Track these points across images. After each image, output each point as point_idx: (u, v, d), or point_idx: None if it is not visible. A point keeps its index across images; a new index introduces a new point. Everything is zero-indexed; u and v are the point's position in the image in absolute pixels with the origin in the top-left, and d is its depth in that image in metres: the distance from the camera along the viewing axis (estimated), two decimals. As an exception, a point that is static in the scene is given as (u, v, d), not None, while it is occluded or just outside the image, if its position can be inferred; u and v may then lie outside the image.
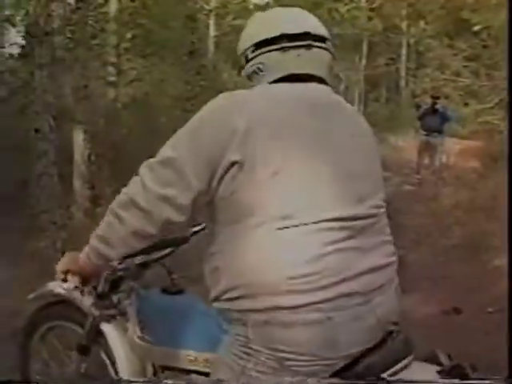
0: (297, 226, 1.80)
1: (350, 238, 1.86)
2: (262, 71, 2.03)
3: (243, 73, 2.09)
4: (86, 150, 8.33)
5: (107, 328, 2.46)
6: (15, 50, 11.54)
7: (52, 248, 6.58)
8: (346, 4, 24.06)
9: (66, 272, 2.16)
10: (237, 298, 1.84)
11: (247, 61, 2.06)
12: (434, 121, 12.62)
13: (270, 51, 2.01)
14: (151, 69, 10.87)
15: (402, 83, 25.13)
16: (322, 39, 2.06)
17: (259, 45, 2.03)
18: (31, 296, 2.73)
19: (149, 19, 11.85)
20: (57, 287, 2.59)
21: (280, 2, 27.69)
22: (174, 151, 1.83)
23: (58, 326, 2.75)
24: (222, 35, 17.76)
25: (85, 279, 2.17)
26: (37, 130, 6.69)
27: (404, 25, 24.17)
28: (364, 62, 25.19)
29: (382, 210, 2.02)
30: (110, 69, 9.77)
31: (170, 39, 12.19)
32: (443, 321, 4.00)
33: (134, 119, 10.19)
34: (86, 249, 2.03)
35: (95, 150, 8.55)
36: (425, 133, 12.80)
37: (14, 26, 10.72)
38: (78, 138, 8.27)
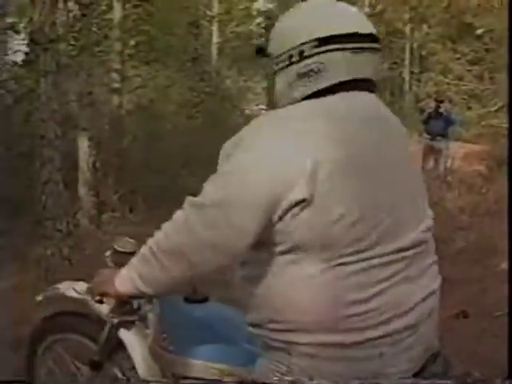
0: (357, 261, 1.70)
1: (405, 268, 1.77)
2: (319, 72, 1.77)
3: (283, 74, 1.81)
4: (91, 156, 8.34)
5: (126, 335, 2.37)
6: (19, 58, 11.58)
7: (58, 255, 6.58)
8: (349, 9, 23.96)
9: (101, 294, 2.03)
10: (283, 330, 1.74)
11: (301, 58, 1.77)
12: (438, 124, 12.51)
13: (338, 50, 1.75)
14: (155, 75, 10.88)
15: (406, 87, 25.09)
16: (378, 41, 1.84)
17: (324, 41, 1.75)
18: (39, 297, 2.63)
19: (152, 26, 11.86)
20: (69, 290, 2.50)
21: (284, 7, 27.82)
22: (226, 191, 1.66)
23: (66, 339, 2.63)
24: (224, 41, 17.74)
25: (122, 302, 2.13)
26: (42, 137, 6.69)
27: (407, 29, 24.16)
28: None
29: (432, 230, 1.91)
30: (114, 75, 9.78)
31: (173, 46, 12.21)
32: (452, 324, 4.00)
33: (139, 126, 10.18)
34: (124, 275, 1.90)
35: (100, 157, 8.55)
36: (429, 137, 12.67)
37: (17, 33, 10.73)
38: (83, 144, 8.29)
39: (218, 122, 12.88)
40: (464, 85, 19.52)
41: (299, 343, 1.71)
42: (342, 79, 1.76)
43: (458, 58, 20.22)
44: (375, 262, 1.71)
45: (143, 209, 8.81)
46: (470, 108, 18.59)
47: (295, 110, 1.77)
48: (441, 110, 12.67)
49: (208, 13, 16.21)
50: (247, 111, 19.26)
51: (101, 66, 9.41)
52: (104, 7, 10.51)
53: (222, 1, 17.13)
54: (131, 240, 2.29)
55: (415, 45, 24.24)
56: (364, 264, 1.70)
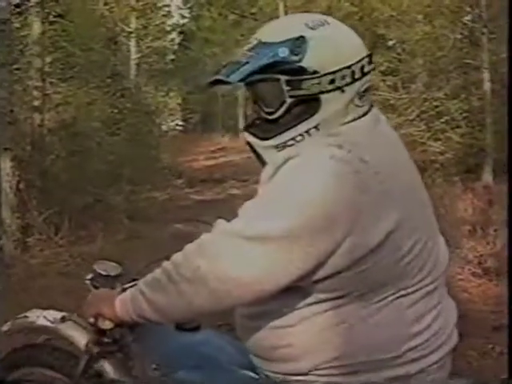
0: (417, 290, 1.64)
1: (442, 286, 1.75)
2: (367, 92, 1.69)
3: (338, 94, 1.63)
4: (14, 177, 8.00)
5: (106, 367, 2.15)
6: None
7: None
8: (265, 22, 24.21)
9: (97, 315, 1.87)
10: (342, 374, 1.63)
11: (363, 74, 1.66)
12: None
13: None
14: (76, 92, 10.60)
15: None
16: None
17: (371, 58, 1.71)
18: (5, 327, 2.36)
19: (69, 42, 11.58)
20: (40, 318, 2.26)
21: (198, 24, 27.88)
22: (276, 226, 1.51)
23: (36, 373, 2.37)
24: (142, 57, 17.54)
25: (118, 325, 1.90)
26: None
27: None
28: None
29: None
30: (35, 93, 9.46)
31: (92, 62, 11.95)
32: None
33: (62, 144, 9.90)
34: (127, 298, 1.76)
35: (24, 178, 8.23)
36: None
37: None
38: (6, 165, 7.94)
39: (139, 138, 12.71)
40: (379, 95, 19.94)
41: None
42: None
43: (373, 69, 20.55)
44: (431, 287, 1.67)
45: (69, 230, 8.53)
46: (387, 117, 18.96)
47: (362, 139, 1.63)
48: None
49: (125, 28, 16.01)
50: (164, 127, 19.12)
51: (20, 83, 9.12)
52: (17, 24, 10.17)
53: (138, 16, 16.96)
54: (113, 263, 2.18)
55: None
56: (423, 291, 1.65)
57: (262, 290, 1.56)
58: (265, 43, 1.68)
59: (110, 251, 7.67)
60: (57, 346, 2.30)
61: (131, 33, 16.38)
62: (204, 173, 17.23)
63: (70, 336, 2.20)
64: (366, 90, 1.69)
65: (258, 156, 1.77)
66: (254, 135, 1.76)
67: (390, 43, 19.15)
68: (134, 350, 2.10)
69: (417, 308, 1.64)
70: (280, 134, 1.69)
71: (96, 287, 2.10)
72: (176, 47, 29.27)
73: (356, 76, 1.66)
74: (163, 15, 21.33)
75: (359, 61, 1.66)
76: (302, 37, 1.65)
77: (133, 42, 16.77)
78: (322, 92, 1.64)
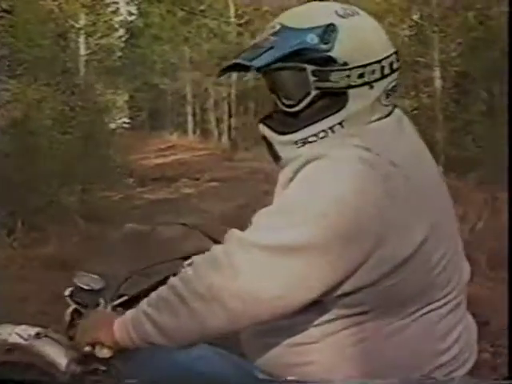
0: (441, 306, 1.53)
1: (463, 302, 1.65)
2: (394, 91, 1.58)
3: (365, 90, 1.53)
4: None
5: None
6: None
7: None
8: (215, 19, 24.13)
9: (94, 343, 1.67)
10: None
11: (392, 71, 1.55)
12: None
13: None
14: (25, 89, 10.31)
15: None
16: None
17: (398, 56, 1.60)
18: None
19: (16, 38, 11.27)
20: (12, 336, 2.00)
21: (147, 21, 27.60)
22: (300, 237, 1.37)
23: None
24: (91, 54, 17.27)
25: (117, 351, 1.70)
26: None
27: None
28: (235, 76, 25.35)
29: None
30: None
31: (40, 58, 11.66)
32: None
33: (13, 143, 9.63)
34: (128, 323, 1.58)
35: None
36: None
37: None
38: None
39: (91, 136, 12.48)
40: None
41: None
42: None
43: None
44: (457, 300, 1.57)
45: (22, 232, 8.30)
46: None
47: (393, 149, 1.50)
48: None
49: (75, 25, 15.72)
50: (112, 125, 18.87)
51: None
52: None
53: (88, 12, 16.70)
54: (95, 276, 2.00)
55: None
56: (449, 305, 1.54)
57: (283, 307, 1.43)
58: (290, 28, 1.56)
59: (65, 253, 7.50)
60: (32, 363, 2.10)
61: (80, 29, 16.12)
62: (155, 171, 17.03)
63: (46, 354, 1.96)
64: (392, 89, 1.59)
65: (274, 153, 1.64)
66: (271, 128, 1.62)
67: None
68: (121, 368, 1.90)
69: (444, 323, 1.54)
70: (301, 128, 1.56)
71: (78, 303, 1.94)
72: (124, 44, 28.95)
73: (385, 72, 1.55)
74: (111, 12, 21.04)
75: (388, 56, 1.56)
76: (332, 24, 1.53)
77: (82, 39, 16.51)
78: (351, 86, 1.52)
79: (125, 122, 27.63)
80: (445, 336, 1.54)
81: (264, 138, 1.64)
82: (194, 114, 30.59)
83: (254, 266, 1.40)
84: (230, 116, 26.45)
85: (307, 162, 1.50)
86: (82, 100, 12.55)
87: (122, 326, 1.59)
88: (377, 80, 1.54)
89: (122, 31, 25.62)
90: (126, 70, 26.36)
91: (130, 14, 27.90)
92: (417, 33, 15.71)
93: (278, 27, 1.58)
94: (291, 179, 1.53)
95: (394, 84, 1.59)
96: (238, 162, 19.28)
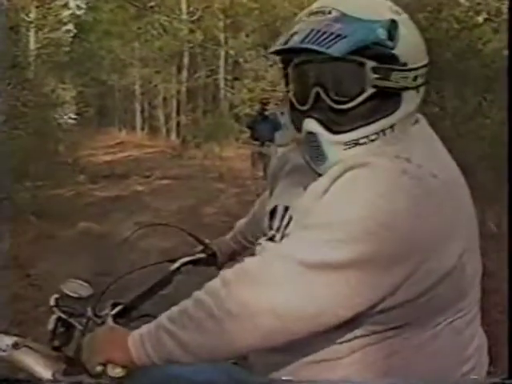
0: (465, 314, 1.48)
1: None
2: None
3: (414, 93, 1.46)
4: None
5: None
6: None
7: None
8: (167, 16, 23.96)
9: (106, 362, 1.48)
10: None
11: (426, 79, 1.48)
12: (264, 128, 11.68)
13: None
14: (-25, 84, 10.07)
15: (221, 94, 25.36)
16: None
17: None
18: None
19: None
20: None
21: (96, 15, 27.27)
22: (345, 252, 1.28)
23: None
24: (41, 48, 16.97)
25: (130, 370, 1.52)
26: None
27: (222, 37, 24.43)
28: (185, 73, 25.21)
29: None
30: None
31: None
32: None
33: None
34: (145, 340, 1.42)
35: None
36: (257, 142, 11.89)
37: None
38: None
39: (41, 132, 12.26)
40: (279, 90, 20.10)
41: None
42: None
43: (271, 65, 20.78)
44: (478, 307, 1.52)
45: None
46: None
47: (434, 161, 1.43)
48: (266, 113, 11.93)
49: (25, 18, 15.42)
50: (60, 121, 18.60)
51: None
52: None
53: (38, 6, 16.40)
54: (83, 282, 1.90)
55: (233, 52, 24.53)
56: (473, 313, 1.50)
57: (322, 325, 1.34)
58: (353, 18, 1.42)
59: (18, 251, 7.36)
60: (11, 378, 1.96)
61: (31, 23, 15.81)
62: (105, 168, 16.83)
63: (26, 365, 1.76)
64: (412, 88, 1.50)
65: (315, 152, 1.50)
66: (324, 125, 1.47)
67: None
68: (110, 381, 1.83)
69: (470, 329, 1.51)
70: (354, 129, 1.45)
71: (64, 312, 1.84)
72: (72, 39, 28.57)
73: (427, 77, 1.49)
74: (61, 5, 20.72)
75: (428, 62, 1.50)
76: (394, 21, 1.43)
77: (32, 33, 16.21)
78: (407, 88, 1.45)
79: (72, 118, 27.26)
80: (468, 345, 1.51)
81: (310, 133, 1.48)
82: (142, 111, 30.37)
83: (293, 282, 1.31)
84: (178, 113, 26.32)
85: (347, 170, 1.40)
86: (33, 95, 12.31)
87: (139, 344, 1.44)
88: (423, 84, 1.49)
89: (70, 25, 25.25)
90: (75, 65, 26.03)
91: (79, 8, 27.52)
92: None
93: (336, 14, 1.43)
94: (327, 188, 1.43)
95: (422, 81, 1.50)
96: (188, 159, 19.19)
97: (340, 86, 1.44)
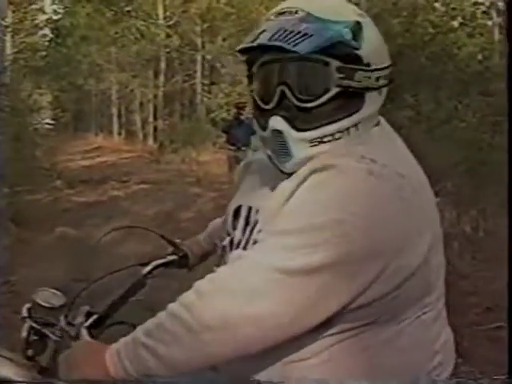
0: (431, 310, 1.51)
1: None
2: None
3: (377, 94, 1.49)
4: None
5: None
6: None
7: None
8: (144, 21, 23.91)
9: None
10: None
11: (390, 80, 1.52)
12: (240, 133, 11.50)
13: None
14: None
15: (198, 99, 25.33)
16: None
17: None
18: None
19: None
20: None
21: (73, 20, 27.14)
22: (321, 257, 1.30)
23: None
24: (17, 52, 16.87)
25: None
26: None
27: (199, 41, 24.42)
28: (162, 78, 25.16)
29: None
30: None
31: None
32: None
33: None
34: (122, 356, 1.39)
35: None
36: (233, 147, 11.85)
37: None
38: None
39: (17, 137, 12.18)
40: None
41: None
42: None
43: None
44: (442, 302, 1.55)
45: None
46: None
47: (394, 155, 1.48)
48: (242, 118, 11.84)
49: (1, 22, 15.32)
50: (37, 126, 18.49)
51: None
52: None
53: (14, 10, 16.29)
54: (55, 291, 1.86)
55: (209, 57, 24.52)
56: (438, 307, 1.53)
57: (300, 329, 1.35)
58: (319, 18, 1.45)
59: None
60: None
61: (7, 27, 15.71)
62: (82, 173, 16.73)
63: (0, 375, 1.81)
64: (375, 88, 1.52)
65: (282, 151, 1.51)
66: (289, 123, 1.48)
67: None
68: None
69: (436, 325, 1.53)
70: (318, 126, 1.46)
71: (36, 322, 1.79)
72: (48, 44, 28.41)
73: (390, 78, 1.52)
74: (36, 9, 20.61)
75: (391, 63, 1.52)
76: (358, 22, 1.47)
77: (8, 37, 16.10)
78: (370, 88, 1.47)
79: (49, 123, 27.13)
80: (435, 340, 1.53)
81: (275, 131, 1.49)
82: (119, 116, 30.26)
83: (271, 290, 1.31)
84: (155, 118, 26.27)
85: (313, 172, 1.42)
86: (9, 100, 12.23)
87: (116, 360, 1.40)
88: (385, 86, 1.51)
89: (47, 30, 25.14)
90: (51, 70, 25.90)
91: (56, 12, 27.37)
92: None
93: (302, 14, 1.46)
94: (296, 188, 1.44)
95: (384, 82, 1.53)
96: (165, 164, 19.14)
97: (305, 84, 1.46)
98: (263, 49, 1.46)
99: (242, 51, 1.52)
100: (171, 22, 23.77)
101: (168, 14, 23.82)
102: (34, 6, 20.03)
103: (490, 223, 7.06)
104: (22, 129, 13.05)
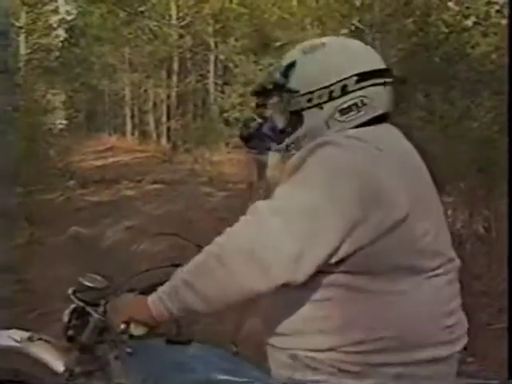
0: (444, 274, 1.73)
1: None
2: (362, 106, 1.79)
3: (316, 110, 1.82)
4: None
5: None
6: None
7: None
8: (157, 21, 24.01)
9: (128, 321, 1.76)
10: (369, 352, 1.65)
11: (344, 93, 1.79)
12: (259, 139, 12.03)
13: (375, 85, 1.81)
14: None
15: (211, 99, 25.37)
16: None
17: (363, 76, 1.80)
18: None
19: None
20: (4, 338, 2.04)
21: (87, 21, 27.28)
22: (316, 200, 1.60)
23: None
24: (31, 53, 16.97)
25: (152, 329, 1.78)
26: None
27: (212, 42, 24.49)
28: (175, 78, 25.23)
29: None
30: None
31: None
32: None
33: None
34: (164, 296, 1.68)
35: None
36: (255, 151, 12.25)
37: None
38: None
39: (32, 137, 12.28)
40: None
41: (386, 364, 1.65)
42: (383, 111, 1.83)
43: (261, 70, 20.85)
44: (452, 275, 1.77)
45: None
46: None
47: (372, 133, 1.77)
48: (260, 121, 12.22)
49: (15, 23, 15.43)
50: (51, 126, 18.60)
51: None
52: None
53: (28, 11, 16.40)
54: (99, 277, 2.10)
55: (222, 57, 24.56)
56: (448, 277, 1.74)
57: (310, 265, 1.59)
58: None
59: (10, 256, 7.36)
60: (21, 369, 2.08)
61: (21, 28, 15.82)
62: (95, 173, 16.82)
63: (40, 357, 2.02)
64: (349, 107, 1.80)
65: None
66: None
67: (277, 44, 19.33)
68: (117, 368, 1.96)
69: (448, 289, 1.74)
70: (283, 140, 1.89)
71: (80, 299, 2.03)
72: (62, 44, 28.55)
73: (334, 95, 1.79)
74: (51, 11, 20.71)
75: (341, 80, 1.79)
76: (293, 61, 1.86)
77: (22, 37, 16.20)
78: (303, 109, 1.83)
79: (62, 124, 27.25)
80: (449, 301, 1.74)
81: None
82: (132, 116, 30.36)
83: (289, 230, 1.56)
84: (168, 118, 26.34)
85: (314, 148, 1.71)
86: (24, 100, 12.32)
87: (157, 301, 1.68)
88: (325, 102, 1.80)
89: (61, 31, 25.26)
90: (64, 71, 26.03)
91: (69, 13, 27.49)
92: (357, 38, 15.89)
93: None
94: (299, 163, 1.72)
95: (350, 103, 1.80)
96: (178, 164, 19.23)
97: (280, 112, 1.92)
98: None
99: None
100: (184, 23, 23.87)
101: (181, 14, 23.92)
102: (47, 7, 20.12)
103: (503, 223, 7.04)
104: (36, 129, 13.16)
